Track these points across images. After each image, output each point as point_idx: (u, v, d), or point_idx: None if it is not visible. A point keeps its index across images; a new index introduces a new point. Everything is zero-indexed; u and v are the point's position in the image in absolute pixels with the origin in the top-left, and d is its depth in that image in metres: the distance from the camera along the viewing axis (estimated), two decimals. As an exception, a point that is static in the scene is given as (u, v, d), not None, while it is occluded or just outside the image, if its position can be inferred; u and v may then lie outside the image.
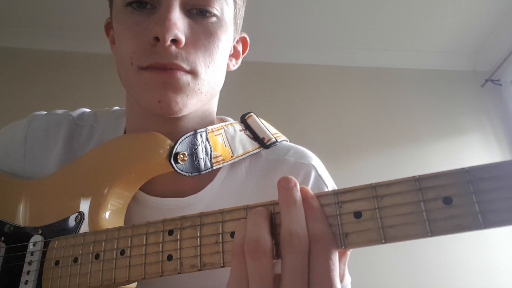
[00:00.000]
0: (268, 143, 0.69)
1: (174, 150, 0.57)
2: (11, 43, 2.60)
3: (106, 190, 0.57)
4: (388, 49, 2.79)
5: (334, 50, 2.78)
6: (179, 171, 0.58)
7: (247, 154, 0.67)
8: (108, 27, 0.69)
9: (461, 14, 2.50)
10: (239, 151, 0.66)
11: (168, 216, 0.60)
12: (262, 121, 0.74)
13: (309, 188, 0.64)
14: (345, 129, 2.57)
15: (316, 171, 0.67)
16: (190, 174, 0.59)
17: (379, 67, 2.80)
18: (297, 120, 2.49)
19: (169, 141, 0.59)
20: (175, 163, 0.57)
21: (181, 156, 0.58)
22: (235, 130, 0.68)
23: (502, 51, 2.64)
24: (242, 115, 0.73)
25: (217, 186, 0.65)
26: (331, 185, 0.68)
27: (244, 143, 0.68)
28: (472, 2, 2.41)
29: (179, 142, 0.58)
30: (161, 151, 0.58)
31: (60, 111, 0.76)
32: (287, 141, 0.74)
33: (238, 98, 2.22)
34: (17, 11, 2.44)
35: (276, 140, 0.70)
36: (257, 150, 0.69)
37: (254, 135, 0.70)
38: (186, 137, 0.60)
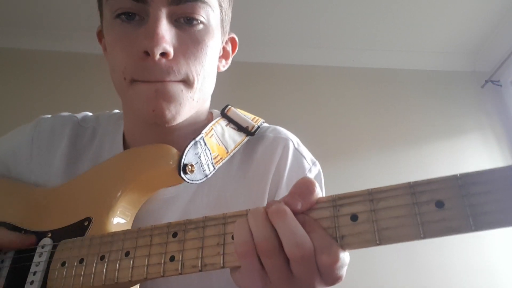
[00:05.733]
0: (253, 130, 0.73)
1: (182, 162, 0.59)
2: (11, 43, 2.60)
3: (117, 196, 0.59)
4: (387, 50, 2.80)
5: (334, 51, 2.78)
6: (189, 181, 0.60)
7: (239, 146, 0.70)
8: (100, 35, 0.71)
9: (461, 14, 2.50)
10: (231, 145, 0.69)
11: (165, 204, 0.63)
12: (240, 110, 0.77)
13: (288, 161, 0.68)
14: (345, 130, 2.57)
15: (293, 144, 0.72)
16: (199, 181, 0.62)
17: (379, 68, 2.80)
18: (297, 120, 2.49)
19: (175, 151, 0.60)
20: (184, 175, 0.59)
21: (189, 167, 0.60)
22: (222, 127, 0.71)
23: (502, 52, 2.64)
24: (221, 110, 0.75)
25: None
26: (308, 156, 0.73)
27: (233, 137, 0.71)
28: (472, 2, 2.41)
29: (185, 154, 0.60)
30: (171, 162, 0.59)
31: (65, 113, 0.79)
32: (264, 122, 0.77)
33: (237, 98, 2.23)
34: (17, 11, 2.44)
35: (258, 126, 0.74)
36: (246, 139, 0.72)
37: (238, 126, 0.73)
38: (190, 148, 0.61)
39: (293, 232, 0.39)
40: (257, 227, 0.41)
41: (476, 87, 2.77)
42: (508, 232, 2.33)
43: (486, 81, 2.73)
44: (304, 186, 0.42)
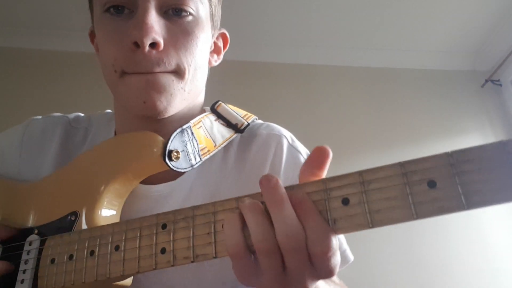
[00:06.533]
0: (242, 128, 0.72)
1: (168, 148, 0.58)
2: (11, 43, 2.61)
3: (103, 188, 0.58)
4: (388, 49, 2.80)
5: (334, 50, 2.78)
6: (174, 168, 0.59)
7: (227, 141, 0.70)
8: (92, 35, 0.71)
9: (461, 14, 2.51)
10: (220, 140, 0.69)
11: (159, 202, 0.61)
12: (230, 107, 0.76)
13: (283, 157, 0.67)
14: (345, 129, 2.57)
15: (288, 140, 0.71)
16: (184, 170, 0.61)
17: (379, 67, 2.81)
18: (298, 119, 2.49)
19: (161, 138, 0.60)
20: (169, 161, 0.58)
21: (175, 153, 0.59)
22: (211, 121, 0.70)
23: (502, 51, 2.64)
24: (211, 105, 0.75)
25: (197, 167, 0.66)
26: (304, 151, 0.72)
27: (221, 132, 0.70)
28: (472, 2, 2.42)
29: (171, 140, 0.59)
30: (155, 150, 0.59)
31: (56, 114, 0.78)
32: (257, 118, 0.76)
33: (237, 97, 2.22)
34: (11, 10, 2.45)
35: (248, 123, 0.73)
36: (234, 136, 0.71)
37: (227, 123, 0.72)
38: (176, 135, 0.61)
39: (287, 223, 0.38)
40: (256, 226, 0.39)
41: (476, 87, 2.77)
42: (510, 231, 2.31)
43: (486, 81, 2.73)
44: (320, 153, 0.44)
